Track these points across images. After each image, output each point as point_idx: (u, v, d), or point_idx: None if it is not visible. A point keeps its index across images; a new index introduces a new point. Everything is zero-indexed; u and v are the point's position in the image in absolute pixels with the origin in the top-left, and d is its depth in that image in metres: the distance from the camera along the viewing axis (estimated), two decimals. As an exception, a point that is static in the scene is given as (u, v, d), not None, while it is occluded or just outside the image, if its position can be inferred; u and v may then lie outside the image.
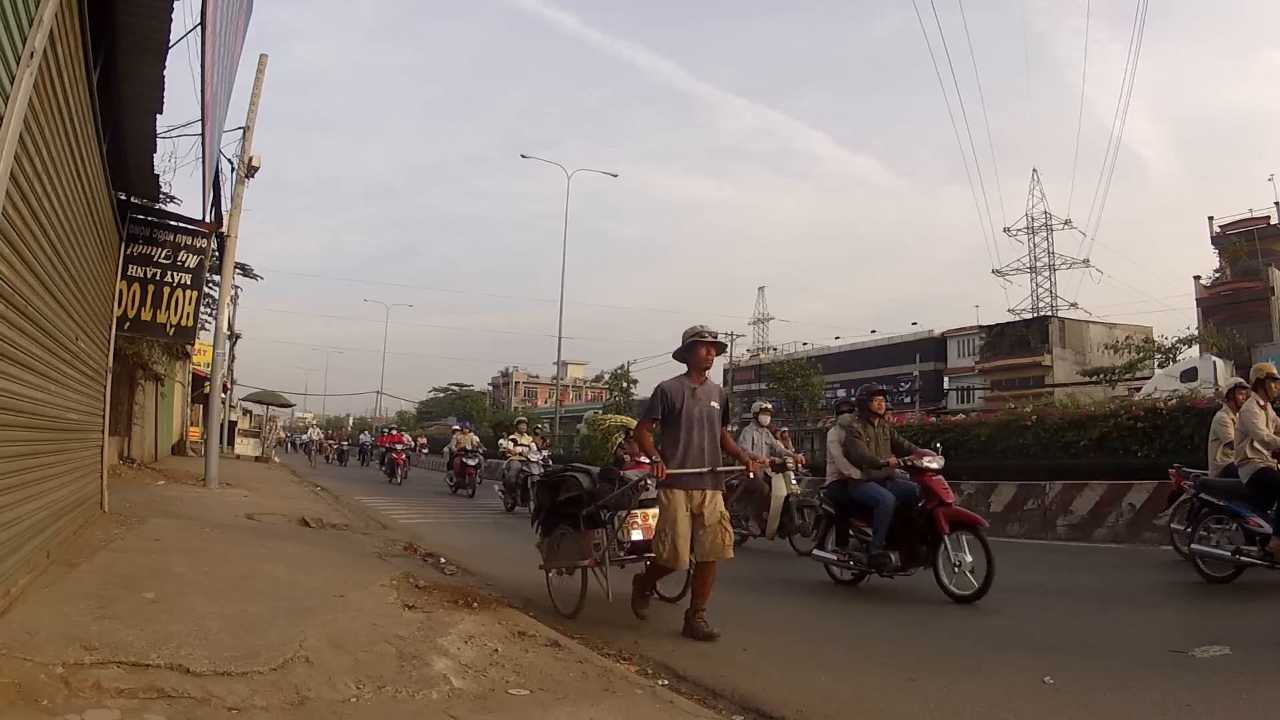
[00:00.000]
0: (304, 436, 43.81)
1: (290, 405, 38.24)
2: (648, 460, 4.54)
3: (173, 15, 4.55)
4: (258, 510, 8.79)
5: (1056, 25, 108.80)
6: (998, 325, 41.24)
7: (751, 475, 5.13)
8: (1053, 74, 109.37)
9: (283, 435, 45.79)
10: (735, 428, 7.68)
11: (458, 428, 18.22)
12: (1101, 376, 25.17)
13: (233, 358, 29.61)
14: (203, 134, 7.25)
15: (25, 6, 2.89)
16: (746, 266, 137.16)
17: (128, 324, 7.95)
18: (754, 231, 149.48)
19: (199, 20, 5.46)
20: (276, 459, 26.32)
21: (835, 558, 6.01)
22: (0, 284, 3.01)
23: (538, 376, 71.63)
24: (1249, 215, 32.14)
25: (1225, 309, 29.22)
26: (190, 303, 8.43)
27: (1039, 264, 49.66)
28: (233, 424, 27.64)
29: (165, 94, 5.34)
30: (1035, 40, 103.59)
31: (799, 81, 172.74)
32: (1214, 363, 21.00)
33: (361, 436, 33.86)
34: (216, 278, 12.06)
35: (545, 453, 13.20)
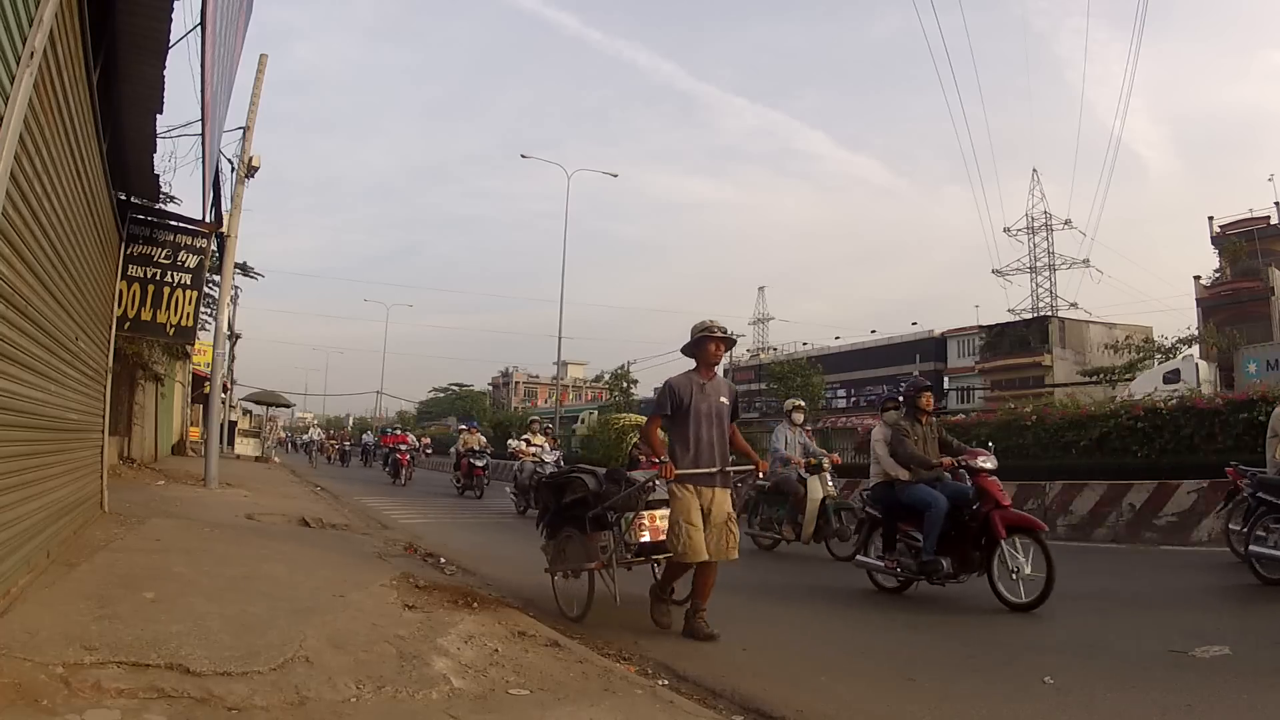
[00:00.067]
0: (305, 436, 43.74)
1: (290, 405, 38.27)
2: (655, 459, 4.47)
3: (173, 15, 4.54)
4: (258, 510, 8.78)
5: (1056, 25, 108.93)
6: (998, 325, 41.19)
7: (761, 475, 5.08)
8: (1053, 74, 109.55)
9: (283, 435, 45.77)
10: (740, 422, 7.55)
11: (464, 428, 17.74)
12: (1101, 376, 25.14)
13: (233, 358, 29.62)
14: (203, 134, 7.25)
15: (25, 6, 2.89)
16: (746, 266, 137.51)
17: (128, 324, 7.94)
18: (754, 231, 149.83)
19: (199, 20, 5.45)
20: (276, 459, 26.31)
21: (882, 564, 5.68)
22: (0, 284, 3.01)
23: (538, 376, 71.61)
24: (1249, 215, 32.07)
25: (1225, 309, 29.17)
26: (190, 303, 8.43)
27: (1039, 264, 49.70)
28: (233, 424, 27.61)
29: (165, 94, 5.34)
30: (1035, 40, 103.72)
31: (799, 81, 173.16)
32: (1196, 364, 21.07)
33: (364, 436, 33.61)
34: (216, 278, 12.05)
35: (558, 454, 12.95)
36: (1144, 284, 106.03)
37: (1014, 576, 4.97)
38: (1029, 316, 43.42)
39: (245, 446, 25.83)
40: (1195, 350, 24.63)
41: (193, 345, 16.58)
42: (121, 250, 7.42)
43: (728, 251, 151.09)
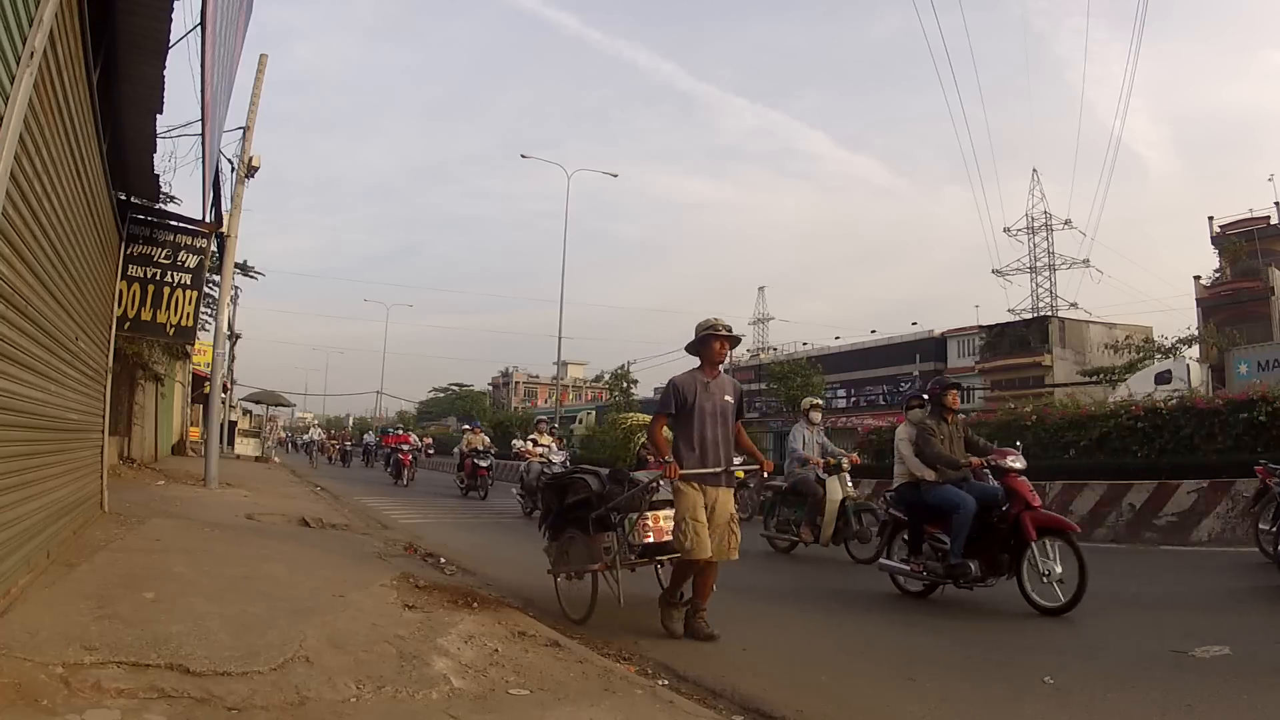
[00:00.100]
0: (305, 436, 43.70)
1: (290, 405, 38.29)
2: (660, 459, 4.39)
3: (173, 15, 4.55)
4: (258, 510, 8.78)
5: (1056, 25, 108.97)
6: (998, 325, 41.18)
7: (765, 474, 5.03)
8: (1053, 74, 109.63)
9: (283, 435, 45.76)
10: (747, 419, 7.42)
11: (468, 428, 17.44)
12: (1101, 376, 25.14)
13: (233, 358, 29.63)
14: (203, 134, 7.25)
15: (25, 6, 2.89)
16: (746, 266, 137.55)
17: (128, 324, 7.94)
18: (754, 231, 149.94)
19: (199, 20, 5.45)
20: (276, 459, 26.31)
21: (908, 568, 5.53)
22: (0, 284, 3.01)
23: (538, 376, 71.62)
24: (1249, 215, 32.08)
25: (1225, 309, 29.19)
26: (190, 303, 8.43)
27: (1039, 264, 49.68)
28: (233, 424, 27.61)
29: (165, 94, 5.34)
30: (1035, 40, 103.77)
31: (799, 81, 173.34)
32: (1187, 365, 21.10)
33: (366, 437, 33.50)
34: (216, 278, 12.05)
35: (565, 454, 12.77)
36: (1144, 284, 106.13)
37: (1044, 579, 4.84)
38: (1029, 316, 43.41)
39: (245, 446, 25.83)
40: (1195, 350, 24.66)
41: (193, 345, 16.58)
42: (121, 250, 7.42)
43: (728, 251, 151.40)
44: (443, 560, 6.58)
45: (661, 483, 4.47)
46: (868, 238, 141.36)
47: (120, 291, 7.47)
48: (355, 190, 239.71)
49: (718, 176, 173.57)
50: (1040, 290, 49.02)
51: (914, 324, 49.02)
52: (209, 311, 14.17)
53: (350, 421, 74.60)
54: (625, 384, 33.65)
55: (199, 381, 24.36)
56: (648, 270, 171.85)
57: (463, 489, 15.38)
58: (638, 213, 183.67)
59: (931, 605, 5.37)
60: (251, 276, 21.05)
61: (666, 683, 3.49)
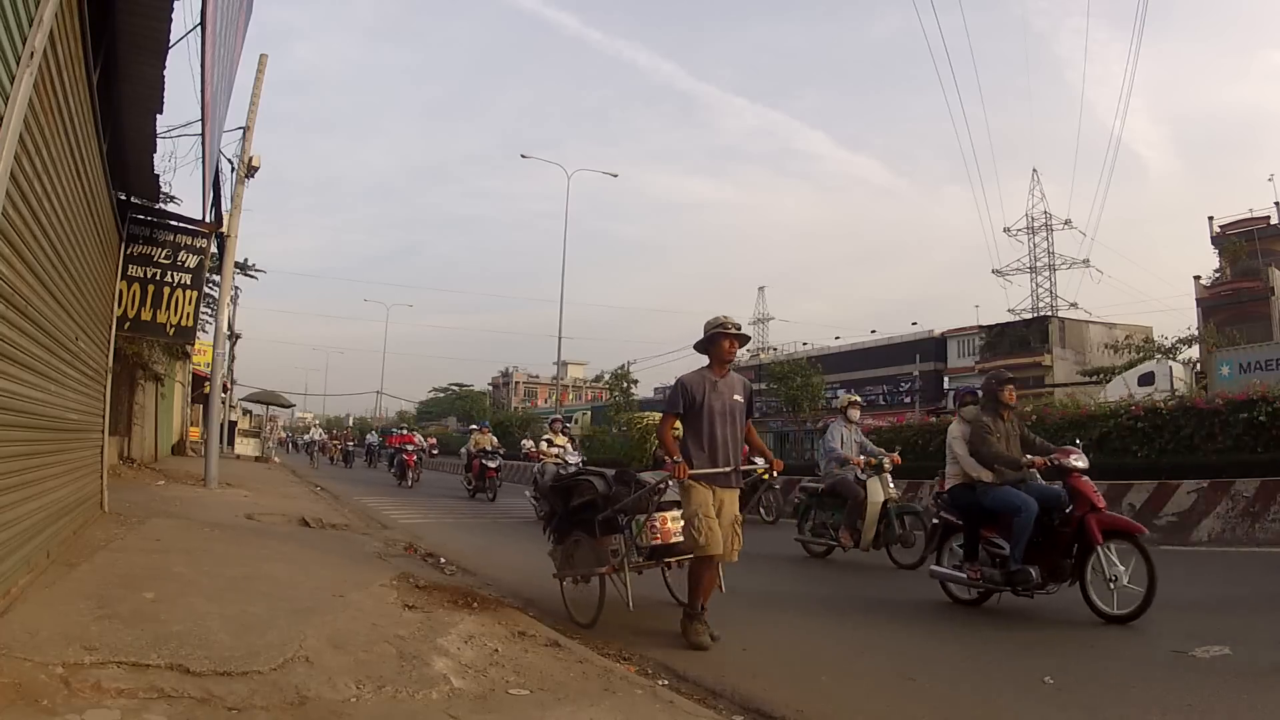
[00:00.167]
0: (306, 436, 43.70)
1: (290, 405, 38.23)
2: (669, 459, 4.31)
3: (173, 15, 4.55)
4: (258, 510, 8.78)
5: (1056, 25, 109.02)
6: (998, 325, 41.18)
7: (776, 474, 4.92)
8: (1053, 74, 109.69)
9: (283, 435, 45.76)
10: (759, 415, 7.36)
11: (475, 427, 17.02)
12: (1101, 376, 25.15)
13: (233, 358, 29.65)
14: (203, 134, 7.25)
15: (25, 6, 2.89)
16: (746, 266, 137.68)
17: (128, 324, 7.95)
18: (754, 231, 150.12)
19: (199, 20, 5.46)
20: (277, 459, 26.31)
21: (963, 575, 5.16)
22: (0, 284, 3.01)
23: (538, 376, 71.60)
24: (1249, 215, 32.11)
25: (1225, 309, 29.19)
26: (190, 303, 8.43)
27: (1039, 264, 49.67)
28: (233, 424, 27.63)
29: (165, 94, 5.34)
30: (1035, 40, 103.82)
31: (799, 81, 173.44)
32: (1170, 367, 21.13)
33: (368, 437, 33.33)
34: (216, 278, 12.06)
35: (580, 455, 12.47)
36: (1144, 284, 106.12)
37: (1110, 586, 4.57)
38: (1029, 316, 43.42)
39: (245, 446, 25.85)
40: (1195, 351, 24.67)
41: (193, 345, 16.58)
42: (121, 250, 7.42)
43: (728, 251, 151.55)
44: (443, 560, 6.58)
45: (669, 483, 4.40)
46: (868, 238, 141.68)
47: (120, 291, 7.47)
48: (355, 190, 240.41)
49: (718, 176, 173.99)
50: (1040, 290, 49.07)
51: (914, 324, 49.09)
52: (209, 311, 14.19)
53: (350, 421, 74.58)
54: (625, 384, 33.65)
55: (199, 381, 24.37)
56: (648, 270, 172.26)
57: (470, 490, 15.08)
58: (638, 213, 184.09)
59: (931, 606, 5.35)
60: (251, 275, 21.08)
61: (666, 683, 3.49)
